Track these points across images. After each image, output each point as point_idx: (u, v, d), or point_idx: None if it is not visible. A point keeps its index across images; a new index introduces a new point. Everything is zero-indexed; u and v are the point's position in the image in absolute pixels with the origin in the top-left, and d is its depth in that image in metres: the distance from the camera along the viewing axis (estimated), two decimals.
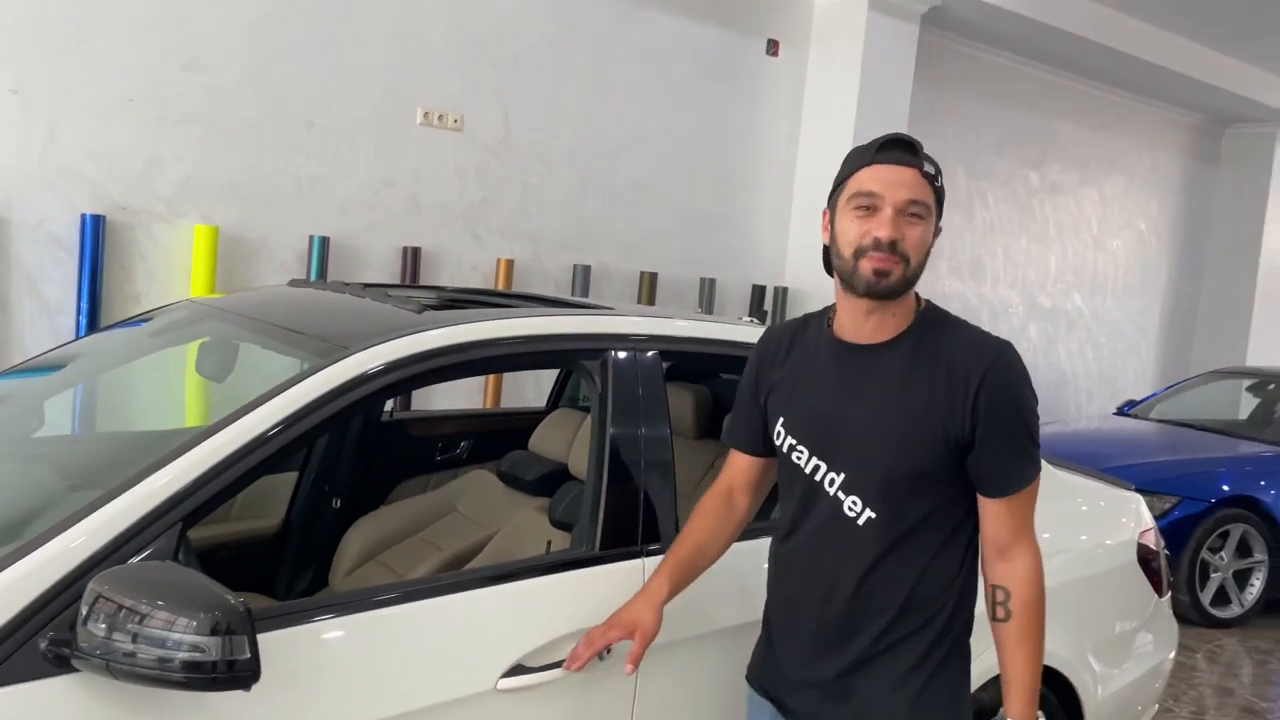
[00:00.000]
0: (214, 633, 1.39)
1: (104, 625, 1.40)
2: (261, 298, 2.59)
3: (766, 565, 1.92)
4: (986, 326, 8.52)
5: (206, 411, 2.70)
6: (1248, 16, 7.74)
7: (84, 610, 1.41)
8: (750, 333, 2.64)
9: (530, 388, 5.70)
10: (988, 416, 1.64)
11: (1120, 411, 7.61)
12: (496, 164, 5.64)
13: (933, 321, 1.74)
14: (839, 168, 1.74)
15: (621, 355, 2.17)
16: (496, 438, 3.46)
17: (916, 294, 1.75)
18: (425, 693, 1.74)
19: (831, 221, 1.73)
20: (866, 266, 1.64)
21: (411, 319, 2.05)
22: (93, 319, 4.35)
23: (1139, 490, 3.25)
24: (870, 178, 1.65)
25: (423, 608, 1.80)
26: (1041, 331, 9.34)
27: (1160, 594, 3.08)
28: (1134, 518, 3.06)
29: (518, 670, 1.81)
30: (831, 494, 1.72)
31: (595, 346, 2.18)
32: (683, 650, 2.04)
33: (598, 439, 2.10)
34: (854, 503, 1.69)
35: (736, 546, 1.99)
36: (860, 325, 1.72)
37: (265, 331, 2.23)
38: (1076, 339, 9.62)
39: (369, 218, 5.20)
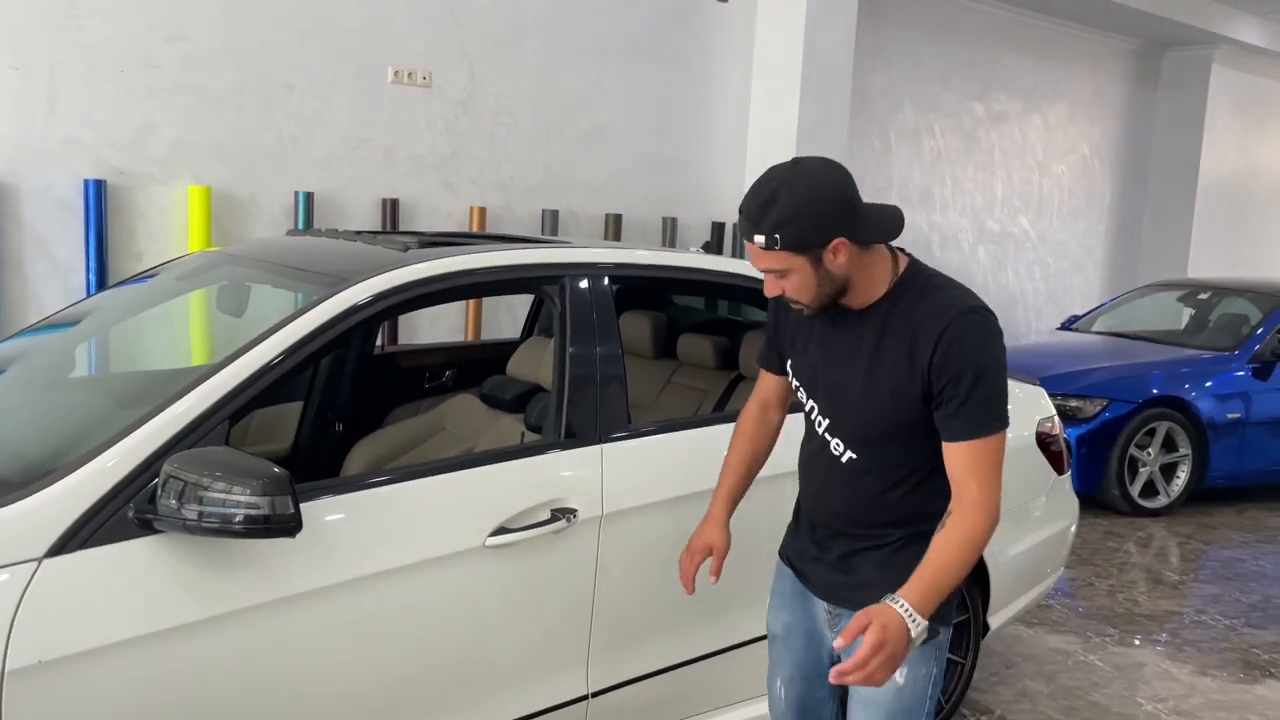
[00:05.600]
0: (265, 494, 1.81)
1: (177, 496, 1.82)
2: (266, 245, 2.98)
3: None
4: (937, 253, 8.99)
5: (228, 342, 3.09)
6: None
7: (160, 485, 1.83)
8: (693, 259, 3.03)
9: (506, 321, 6.03)
10: (941, 371, 1.81)
11: (1064, 326, 7.88)
12: (465, 118, 5.86)
13: (910, 286, 1.89)
14: None
15: (578, 280, 2.58)
16: (477, 366, 3.82)
17: (895, 252, 1.91)
18: (429, 547, 2.17)
19: None
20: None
21: (398, 256, 2.45)
22: (101, 277, 4.64)
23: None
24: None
25: (426, 483, 2.23)
26: (990, 255, 9.57)
27: (1060, 472, 3.53)
28: (1036, 407, 3.48)
29: (501, 531, 2.25)
30: (821, 433, 2.01)
31: (553, 274, 2.57)
32: (632, 515, 2.48)
33: (559, 350, 2.51)
34: (837, 444, 1.98)
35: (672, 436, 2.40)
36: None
37: (276, 271, 2.64)
38: (1024, 260, 9.80)
39: (349, 172, 5.45)
